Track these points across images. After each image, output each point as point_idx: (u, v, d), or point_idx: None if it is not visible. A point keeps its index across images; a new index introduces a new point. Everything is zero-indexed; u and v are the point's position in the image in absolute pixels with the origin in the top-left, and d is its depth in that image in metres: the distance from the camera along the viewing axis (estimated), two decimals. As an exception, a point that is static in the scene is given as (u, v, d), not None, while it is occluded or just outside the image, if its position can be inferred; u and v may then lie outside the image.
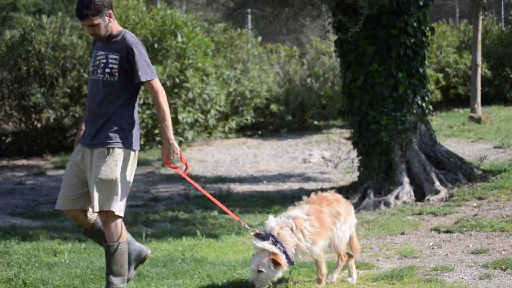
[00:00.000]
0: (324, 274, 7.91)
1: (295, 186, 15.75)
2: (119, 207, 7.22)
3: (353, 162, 14.43)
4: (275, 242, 7.37)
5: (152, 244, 10.59)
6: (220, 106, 21.91)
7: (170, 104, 20.63)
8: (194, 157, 20.12)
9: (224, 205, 13.40)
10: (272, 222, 7.59)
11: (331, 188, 14.28)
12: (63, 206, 7.49)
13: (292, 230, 7.53)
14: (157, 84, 7.22)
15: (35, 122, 21.55)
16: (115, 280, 7.34)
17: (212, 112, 21.72)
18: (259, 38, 24.67)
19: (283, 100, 23.47)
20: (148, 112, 20.69)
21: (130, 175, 7.34)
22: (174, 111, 21.01)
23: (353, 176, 14.71)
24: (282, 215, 7.82)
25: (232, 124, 22.58)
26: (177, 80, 20.97)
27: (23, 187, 16.67)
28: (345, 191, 13.69)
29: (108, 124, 7.20)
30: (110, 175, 7.13)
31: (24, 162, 20.73)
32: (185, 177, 7.64)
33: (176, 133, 21.15)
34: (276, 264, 7.31)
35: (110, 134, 7.18)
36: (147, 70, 7.17)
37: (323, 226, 7.74)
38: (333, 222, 7.89)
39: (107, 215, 7.24)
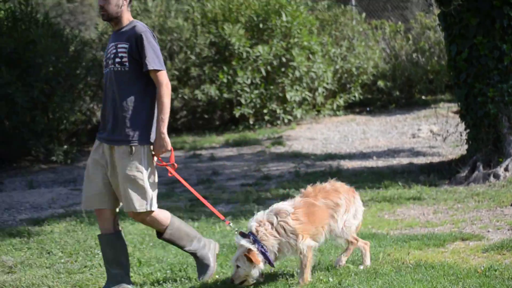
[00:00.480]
0: (307, 280, 7.20)
1: (405, 161, 15.68)
2: (149, 205, 7.18)
3: (461, 135, 14.25)
4: (254, 241, 6.99)
5: (262, 222, 10.70)
6: (327, 83, 21.91)
7: (277, 83, 20.80)
8: (303, 135, 20.21)
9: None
10: (252, 220, 7.18)
11: (440, 162, 14.21)
12: (89, 205, 7.44)
13: (273, 225, 7.09)
14: (163, 76, 7.05)
15: (146, 105, 21.97)
16: (193, 247, 7.58)
17: (320, 90, 21.75)
18: (363, 15, 24.54)
19: (390, 76, 23.27)
20: (256, 92, 20.89)
21: (154, 168, 7.24)
22: (282, 90, 21.17)
23: (462, 150, 14.54)
24: (269, 208, 7.34)
25: (340, 101, 22.56)
26: (284, 59, 21.08)
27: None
28: (454, 164, 13.56)
29: (127, 119, 7.07)
30: (137, 175, 7.07)
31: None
32: (175, 174, 7.34)
33: (284, 111, 21.33)
34: (250, 260, 6.94)
35: (130, 132, 7.06)
36: (155, 60, 7.04)
37: (311, 221, 7.20)
38: (330, 215, 7.37)
39: (140, 215, 7.25)
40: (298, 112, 21.38)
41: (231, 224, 7.61)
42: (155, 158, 7.23)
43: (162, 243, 9.46)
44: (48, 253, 9.49)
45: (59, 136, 19.23)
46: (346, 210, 7.47)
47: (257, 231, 7.03)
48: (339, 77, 22.78)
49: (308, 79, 21.42)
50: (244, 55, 20.89)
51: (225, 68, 20.97)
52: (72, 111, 18.83)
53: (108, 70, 7.15)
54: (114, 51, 7.09)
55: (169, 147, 7.07)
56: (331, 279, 7.34)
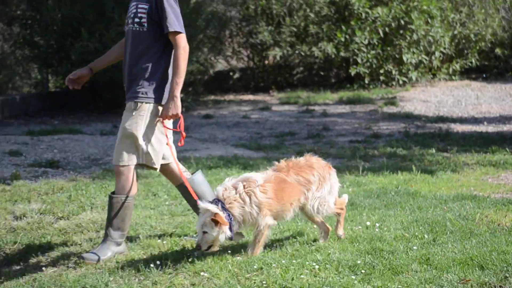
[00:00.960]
0: (256, 254, 6.96)
1: (516, 128, 15.45)
2: (133, 159, 6.96)
3: None
4: (222, 208, 6.73)
5: (368, 177, 10.78)
6: (444, 48, 21.68)
7: (395, 45, 20.68)
8: (417, 97, 20.10)
9: (442, 144, 13.51)
10: (219, 186, 6.91)
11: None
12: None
13: (236, 191, 6.81)
14: (181, 38, 6.86)
15: (262, 59, 22.21)
16: (114, 233, 7.10)
17: (437, 54, 21.58)
18: (486, -19, 24.06)
19: (508, 44, 22.83)
20: (372, 52, 20.88)
21: (156, 129, 7.01)
22: (398, 52, 21.08)
23: None
24: (237, 177, 7.05)
25: (456, 66, 22.30)
26: (402, 22, 20.94)
27: (248, 120, 17.34)
28: None
29: (139, 78, 6.92)
30: (133, 130, 6.89)
31: (250, 97, 21.53)
32: (170, 146, 7.19)
33: (400, 73, 21.26)
34: (217, 223, 6.66)
35: (140, 89, 6.89)
36: (175, 22, 6.87)
37: (279, 197, 6.92)
38: (300, 192, 7.06)
39: (120, 167, 7.00)
40: (413, 75, 21.29)
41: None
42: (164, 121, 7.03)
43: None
44: (154, 195, 9.78)
45: (176, 85, 19.61)
46: (319, 186, 7.11)
47: (223, 196, 6.77)
48: (457, 42, 22.47)
49: (426, 43, 21.28)
50: (363, 15, 20.95)
51: (343, 27, 21.03)
52: (189, 61, 19.14)
53: (128, 29, 7.03)
54: (135, 10, 6.97)
55: (179, 111, 6.85)
56: (426, 236, 7.36)
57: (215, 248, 6.85)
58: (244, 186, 6.80)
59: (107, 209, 7.25)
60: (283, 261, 6.78)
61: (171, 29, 6.82)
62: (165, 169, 7.40)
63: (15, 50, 21.19)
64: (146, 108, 6.89)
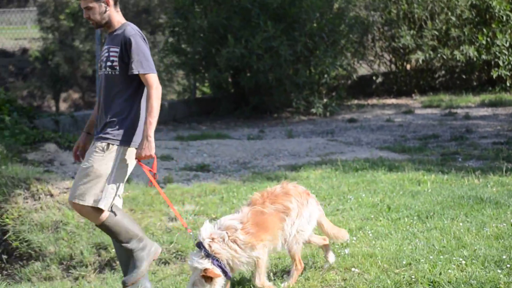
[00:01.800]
0: (263, 283, 6.73)
1: None
2: (99, 202, 6.78)
3: None
4: (207, 255, 6.46)
5: (511, 177, 10.65)
6: None
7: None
8: None
9: None
10: (204, 232, 6.62)
11: None
12: None
13: (224, 241, 6.54)
14: (151, 78, 6.73)
15: (404, 63, 22.16)
16: (130, 245, 6.99)
17: None
18: None
19: None
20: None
21: (123, 172, 6.89)
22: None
23: None
24: (216, 223, 6.78)
25: None
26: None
27: (391, 124, 17.35)
28: None
29: (113, 120, 6.80)
30: (102, 171, 6.76)
31: (393, 101, 21.51)
32: (153, 182, 6.91)
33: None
34: (209, 279, 6.41)
35: (113, 131, 6.78)
36: (142, 63, 6.76)
37: (261, 228, 6.63)
38: (281, 219, 6.77)
39: (79, 206, 6.84)
40: None
41: (191, 233, 7.12)
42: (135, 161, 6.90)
43: (412, 192, 9.71)
44: (302, 196, 9.95)
45: (319, 90, 19.87)
46: (298, 214, 6.85)
47: (209, 246, 6.49)
48: None
49: None
50: (504, 18, 20.74)
51: (484, 30, 20.81)
52: (333, 66, 19.34)
53: (101, 73, 6.99)
54: (107, 54, 6.91)
55: (153, 152, 6.72)
56: None
57: None
58: (228, 234, 6.54)
59: (108, 235, 7.15)
60: (431, 257, 6.92)
61: (135, 71, 6.73)
62: None
63: (163, 57, 21.84)
64: (116, 150, 6.77)
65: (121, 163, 6.79)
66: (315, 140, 15.24)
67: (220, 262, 6.43)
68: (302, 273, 6.93)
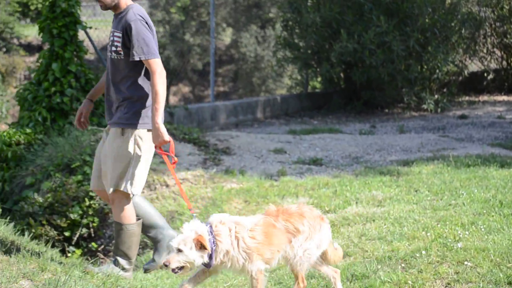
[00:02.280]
0: None
1: None
2: (129, 187, 6.80)
3: None
4: (210, 233, 6.20)
5: None
6: None
7: None
8: None
9: None
10: (215, 215, 6.42)
11: None
12: (92, 186, 7.24)
13: (230, 231, 6.28)
14: (155, 64, 6.62)
15: (516, 60, 21.93)
16: (121, 260, 7.00)
17: None
18: None
19: None
20: None
21: (145, 155, 6.82)
22: None
23: None
24: (228, 215, 6.58)
25: None
26: None
27: (503, 120, 17.24)
28: None
29: (123, 105, 6.78)
30: (122, 155, 6.75)
31: (504, 98, 21.28)
32: (171, 170, 6.73)
33: None
34: (200, 246, 6.12)
35: (125, 115, 6.75)
36: (143, 49, 6.64)
37: (267, 242, 6.36)
38: (287, 239, 6.46)
39: (114, 194, 6.86)
40: None
41: (195, 214, 6.79)
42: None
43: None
44: (416, 191, 10.06)
45: (430, 86, 19.83)
46: (308, 237, 6.52)
47: (215, 226, 6.28)
48: None
49: None
50: None
51: None
52: (445, 62, 19.24)
53: (108, 57, 6.95)
54: (112, 38, 6.84)
55: (166, 137, 6.56)
56: None
57: (186, 272, 6.26)
58: (235, 228, 6.32)
59: (114, 235, 7.15)
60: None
61: (136, 58, 6.66)
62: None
63: (276, 51, 22.12)
64: (133, 134, 6.76)
65: (139, 146, 6.77)
66: (427, 136, 15.25)
67: (213, 246, 6.20)
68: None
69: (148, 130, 6.75)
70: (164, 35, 28.05)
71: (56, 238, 10.77)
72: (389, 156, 13.27)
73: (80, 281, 6.52)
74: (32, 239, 9.22)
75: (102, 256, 10.31)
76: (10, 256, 7.64)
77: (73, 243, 10.90)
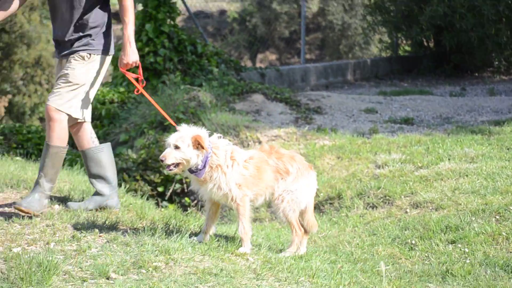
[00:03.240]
0: (247, 233, 6.31)
1: None
2: (66, 107, 6.58)
3: None
4: (209, 144, 6.16)
5: None
6: None
7: None
8: None
9: None
10: (218, 136, 6.36)
11: None
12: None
13: (226, 152, 6.24)
14: None
15: None
16: (44, 181, 6.76)
17: None
18: None
19: None
20: None
21: (96, 81, 6.73)
22: None
23: None
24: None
25: None
26: None
27: None
28: None
29: (88, 31, 6.64)
30: (82, 80, 6.62)
31: None
32: (140, 89, 6.66)
33: None
34: (197, 145, 6.08)
35: (91, 41, 6.65)
36: None
37: (257, 176, 6.31)
38: (275, 178, 6.37)
39: (50, 110, 6.60)
40: None
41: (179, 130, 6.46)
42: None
43: None
44: (508, 149, 9.96)
45: (520, 50, 19.48)
46: (295, 179, 6.39)
47: (215, 141, 6.27)
48: None
49: None
50: None
51: None
52: None
53: None
54: None
55: (137, 57, 6.57)
56: None
57: (180, 170, 6.20)
58: (231, 151, 6.29)
59: (41, 157, 6.85)
60: None
61: None
62: (78, 128, 6.96)
63: (366, 15, 22.02)
64: (97, 59, 6.67)
65: (99, 72, 6.73)
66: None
67: (208, 154, 6.16)
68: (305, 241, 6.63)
69: (108, 55, 6.77)
70: (251, 3, 28.10)
71: (150, 193, 10.99)
72: (480, 117, 13.14)
73: (178, 228, 6.69)
74: (127, 192, 9.45)
75: (195, 210, 10.49)
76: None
77: (166, 198, 11.12)
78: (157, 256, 5.77)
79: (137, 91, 6.78)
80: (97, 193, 7.12)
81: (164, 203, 10.92)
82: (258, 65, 27.33)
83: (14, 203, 6.82)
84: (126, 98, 13.99)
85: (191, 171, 6.19)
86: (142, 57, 14.23)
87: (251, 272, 5.67)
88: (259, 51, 28.01)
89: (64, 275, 5.30)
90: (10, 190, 8.13)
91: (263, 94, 14.22)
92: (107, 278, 5.27)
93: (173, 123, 6.56)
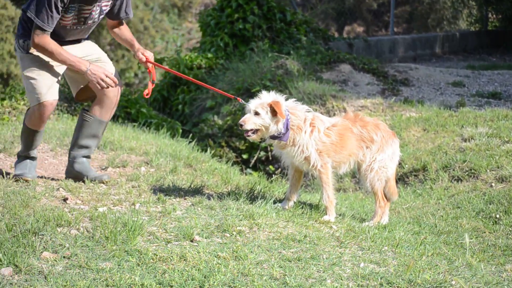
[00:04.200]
0: (332, 201, 6.32)
1: None
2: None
3: None
4: (285, 109, 6.13)
5: None
6: None
7: None
8: None
9: None
10: (291, 100, 6.37)
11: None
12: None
13: (305, 119, 6.21)
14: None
15: None
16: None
17: None
18: None
19: None
20: None
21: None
22: None
23: None
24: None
25: None
26: None
27: None
28: None
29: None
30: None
31: None
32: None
33: None
34: (274, 112, 6.05)
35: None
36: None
37: (340, 144, 6.28)
38: (359, 146, 6.35)
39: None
40: None
41: (242, 100, 6.67)
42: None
43: None
44: None
45: None
46: (380, 148, 6.37)
47: (292, 108, 6.26)
48: None
49: None
50: None
51: None
52: None
53: (81, 25, 6.61)
54: (99, 9, 6.59)
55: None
56: None
57: (258, 137, 6.23)
58: (312, 118, 6.28)
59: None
60: None
61: (130, 16, 6.75)
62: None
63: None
64: None
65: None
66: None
67: (288, 124, 6.18)
68: (387, 210, 6.62)
69: None
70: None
71: (234, 160, 11.00)
72: None
73: (262, 194, 6.67)
74: (212, 157, 9.49)
75: (279, 178, 10.47)
76: (195, 170, 7.92)
77: (250, 165, 11.11)
78: (241, 220, 5.77)
79: (147, 94, 6.78)
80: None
81: (248, 170, 10.91)
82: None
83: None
84: (214, 64, 14.01)
85: (274, 137, 6.19)
86: (231, 23, 14.20)
87: (335, 240, 5.65)
88: (347, 23, 27.73)
89: (149, 236, 5.33)
90: (97, 151, 8.24)
91: (351, 64, 14.07)
92: (191, 241, 5.28)
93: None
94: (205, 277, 4.62)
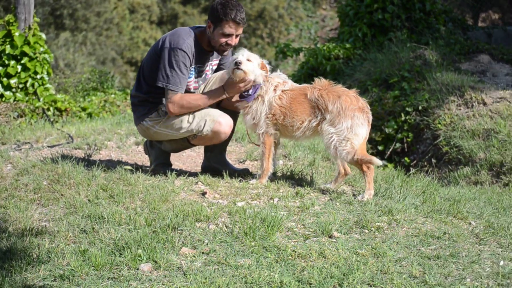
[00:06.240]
0: (266, 170, 6.50)
1: None
2: None
3: None
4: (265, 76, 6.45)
5: None
6: None
7: None
8: None
9: None
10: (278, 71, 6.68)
11: None
12: None
13: (275, 86, 6.46)
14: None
15: None
16: None
17: None
18: None
19: None
20: None
21: None
22: None
23: None
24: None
25: None
26: None
27: None
28: None
29: None
30: None
31: None
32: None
33: None
34: (263, 67, 6.44)
35: None
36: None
37: (289, 108, 6.39)
38: (312, 112, 6.33)
39: None
40: None
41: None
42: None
43: None
44: None
45: None
46: (333, 120, 6.23)
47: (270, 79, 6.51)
48: None
49: None
50: None
51: None
52: None
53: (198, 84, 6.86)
54: (211, 68, 6.92)
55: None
56: None
57: (246, 85, 6.38)
58: (278, 83, 6.48)
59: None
60: None
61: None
62: None
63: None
64: None
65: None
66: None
67: (257, 87, 6.43)
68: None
69: None
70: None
71: (370, 151, 10.84)
72: None
73: (401, 189, 6.49)
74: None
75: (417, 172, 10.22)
76: (333, 163, 7.79)
77: (385, 157, 10.92)
78: (379, 216, 5.63)
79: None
80: None
81: (384, 161, 10.72)
82: (480, 24, 26.32)
83: None
84: (352, 54, 13.84)
85: (241, 96, 6.44)
86: (370, 13, 14.00)
87: (473, 237, 5.44)
88: (482, 9, 26.91)
89: (287, 231, 5.25)
90: (235, 143, 8.22)
91: (489, 54, 13.61)
92: (330, 237, 5.17)
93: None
94: (344, 275, 4.50)
